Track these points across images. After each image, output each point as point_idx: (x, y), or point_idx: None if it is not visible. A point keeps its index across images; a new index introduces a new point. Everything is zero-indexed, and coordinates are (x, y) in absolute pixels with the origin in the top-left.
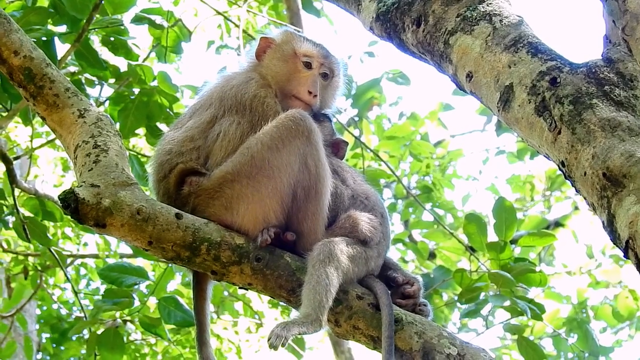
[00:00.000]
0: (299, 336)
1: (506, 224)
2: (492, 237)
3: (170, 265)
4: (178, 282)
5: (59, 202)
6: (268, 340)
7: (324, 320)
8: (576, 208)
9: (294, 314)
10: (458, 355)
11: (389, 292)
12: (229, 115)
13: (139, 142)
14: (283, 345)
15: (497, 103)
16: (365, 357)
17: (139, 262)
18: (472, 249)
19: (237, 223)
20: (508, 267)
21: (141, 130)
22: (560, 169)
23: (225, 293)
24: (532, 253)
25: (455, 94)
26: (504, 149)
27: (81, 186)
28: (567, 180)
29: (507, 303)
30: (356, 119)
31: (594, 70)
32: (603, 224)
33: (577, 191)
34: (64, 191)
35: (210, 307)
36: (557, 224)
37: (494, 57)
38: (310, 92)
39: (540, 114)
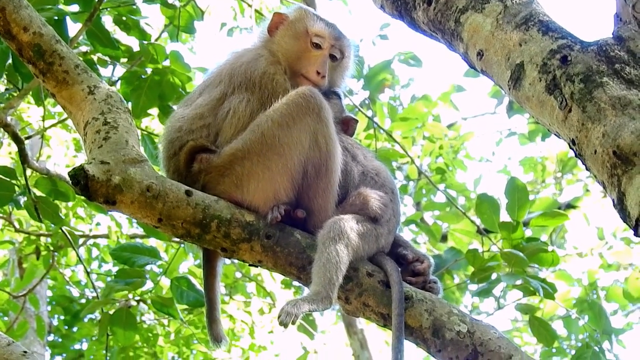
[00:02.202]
0: (310, 313)
1: (518, 203)
2: (504, 218)
3: (182, 245)
4: (191, 263)
5: (69, 179)
6: (278, 317)
7: (334, 298)
8: (587, 190)
9: (305, 291)
10: (468, 332)
11: (399, 269)
12: (239, 93)
13: (152, 122)
14: (293, 322)
15: (508, 81)
16: (377, 338)
17: (151, 242)
18: (484, 230)
19: (248, 200)
20: (520, 246)
21: (154, 111)
22: (570, 147)
23: (238, 274)
24: (543, 235)
25: (467, 76)
26: (515, 130)
27: (91, 163)
28: (577, 159)
29: (520, 282)
30: (368, 101)
31: (604, 48)
32: (613, 202)
33: (587, 169)
34: (73, 168)
35: (222, 289)
36: (569, 206)
37: (504, 35)
38: (318, 73)
39: (550, 92)
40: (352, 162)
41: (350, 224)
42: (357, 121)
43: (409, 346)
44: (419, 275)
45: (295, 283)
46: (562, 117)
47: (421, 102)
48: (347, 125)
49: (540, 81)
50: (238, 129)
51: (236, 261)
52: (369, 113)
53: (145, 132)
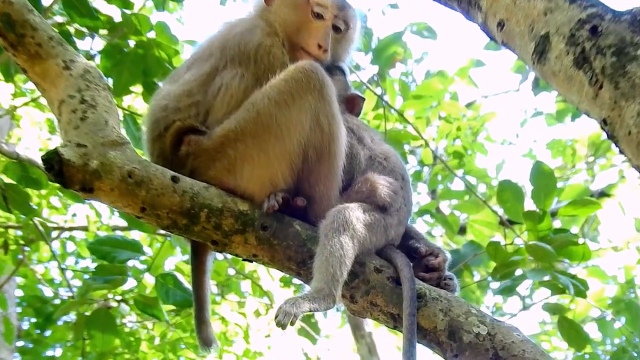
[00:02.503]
0: (311, 314)
1: (545, 191)
2: (529, 207)
3: (168, 238)
4: (178, 258)
5: (42, 164)
6: (275, 318)
7: (337, 296)
8: (623, 177)
9: (305, 289)
10: (488, 335)
11: (411, 264)
12: (232, 67)
13: (135, 101)
14: (292, 323)
15: (532, 55)
16: (387, 342)
17: (133, 235)
18: (507, 221)
19: (241, 187)
20: (547, 238)
21: (137, 88)
22: (602, 128)
23: (231, 271)
24: (574, 227)
25: (486, 49)
26: (542, 110)
27: (66, 146)
28: (609, 141)
29: (547, 278)
30: (377, 77)
31: (639, 18)
32: None
33: (621, 152)
34: (47, 152)
35: (214, 288)
36: (602, 194)
37: (527, 3)
38: (320, 46)
39: (579, 67)
40: (358, 145)
41: (356, 214)
42: (364, 99)
43: (422, 350)
44: (433, 270)
45: (295, 280)
46: (593, 94)
47: (436, 79)
48: (352, 104)
49: (567, 54)
50: (231, 108)
51: (229, 256)
52: (378, 90)
53: (128, 112)
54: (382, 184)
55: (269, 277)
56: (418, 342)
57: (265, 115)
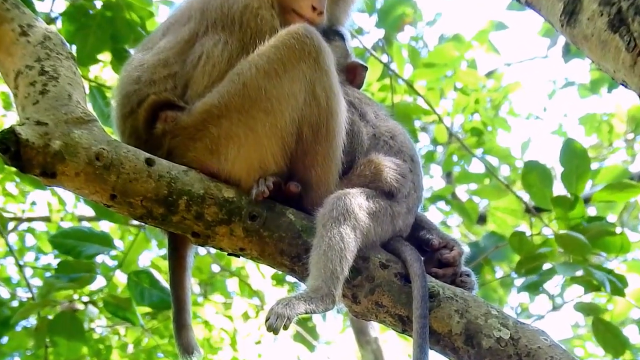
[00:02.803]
0: (308, 316)
1: (577, 172)
2: (559, 191)
3: (142, 230)
4: (154, 253)
5: None
6: (266, 321)
7: (337, 295)
8: None
9: (301, 288)
10: (511, 339)
11: (422, 258)
12: (213, 33)
13: (103, 72)
14: (285, 327)
15: (560, 16)
16: (396, 348)
17: (102, 226)
18: (534, 209)
19: (226, 171)
20: (580, 228)
21: (105, 56)
22: None
23: (216, 268)
24: (611, 215)
25: (509, 9)
26: (574, 79)
27: (24, 124)
28: None
29: (580, 273)
30: (382, 42)
31: None
32: None
33: None
34: (1, 131)
35: (196, 287)
36: None
37: None
38: (314, 8)
39: (615, 30)
40: (361, 121)
41: (358, 201)
42: (366, 68)
43: (435, 357)
44: (448, 266)
45: (290, 278)
46: (630, 61)
47: (451, 44)
48: (353, 74)
49: (601, 15)
50: (213, 79)
51: (213, 250)
52: (384, 58)
53: (95, 84)
54: (388, 167)
55: (259, 274)
56: (430, 348)
57: (253, 88)
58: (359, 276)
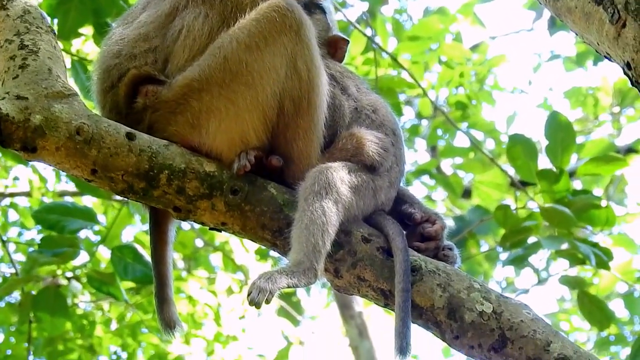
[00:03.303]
0: (291, 291)
1: (562, 146)
2: (544, 165)
3: (125, 204)
4: (138, 228)
5: None
6: (248, 295)
7: (319, 269)
8: None
9: (283, 262)
10: (493, 313)
11: (404, 232)
12: (194, 6)
13: (85, 45)
14: (267, 301)
15: None
16: (381, 323)
17: (85, 201)
18: (519, 182)
19: (207, 145)
20: (565, 201)
21: (87, 30)
22: (625, 73)
23: (199, 242)
24: (596, 188)
25: None
26: (560, 52)
27: (4, 98)
28: (634, 87)
29: (565, 247)
30: (366, 15)
31: None
32: None
33: None
34: None
35: (180, 262)
36: (630, 150)
37: None
38: None
39: (599, 2)
40: (342, 95)
41: (340, 175)
42: (348, 42)
43: (417, 332)
44: (430, 239)
45: (274, 252)
46: (614, 33)
47: (436, 17)
48: (335, 48)
49: None
50: (193, 53)
51: (196, 225)
52: (368, 31)
53: (76, 58)
54: (370, 140)
55: (243, 249)
56: (413, 322)
57: (234, 61)
58: (341, 250)
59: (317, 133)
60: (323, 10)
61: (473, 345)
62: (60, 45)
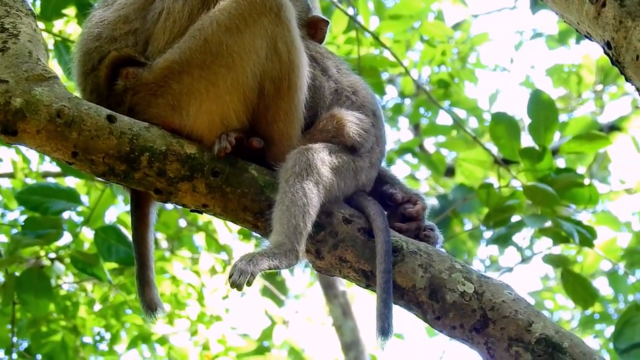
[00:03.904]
0: (275, 272)
1: (545, 124)
2: (527, 143)
3: (108, 185)
4: (121, 209)
5: None
6: (230, 277)
7: (301, 251)
8: (637, 107)
9: (265, 244)
10: (475, 294)
11: (385, 213)
12: None
13: (68, 26)
14: (249, 283)
15: None
16: (365, 302)
17: (69, 182)
18: (502, 161)
19: (188, 127)
20: (548, 179)
21: (70, 11)
22: (605, 52)
23: (183, 222)
24: (580, 166)
25: None
26: (542, 30)
27: None
28: (614, 67)
29: (548, 225)
30: None
31: None
32: None
33: (627, 80)
34: None
35: (163, 242)
36: (613, 127)
37: None
38: None
39: None
40: (323, 76)
41: (320, 156)
42: (327, 23)
43: (399, 312)
44: (411, 220)
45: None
46: (594, 13)
47: None
48: (315, 29)
49: None
50: (174, 35)
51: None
52: (350, 10)
53: (59, 38)
54: (351, 121)
55: (227, 228)
56: (394, 303)
57: (214, 43)
58: (322, 231)
59: (298, 114)
60: None
61: (455, 326)
62: (42, 25)
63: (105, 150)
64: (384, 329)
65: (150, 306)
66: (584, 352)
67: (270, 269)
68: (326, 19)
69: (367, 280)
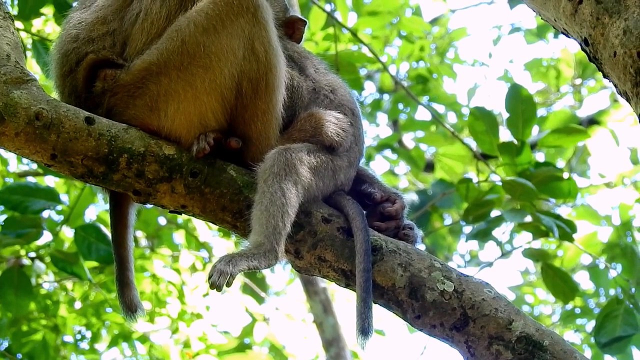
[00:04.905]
0: (256, 271)
1: (523, 118)
2: (506, 138)
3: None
4: (101, 207)
5: None
6: (209, 278)
7: (280, 251)
8: (616, 101)
9: (244, 244)
10: (455, 292)
11: (364, 212)
12: None
13: (46, 26)
14: (229, 284)
15: None
16: (343, 298)
17: (48, 181)
18: (481, 155)
19: (166, 128)
20: (527, 173)
21: (48, 10)
22: (583, 49)
23: (162, 220)
24: (559, 160)
25: None
26: (520, 25)
27: None
28: (592, 63)
29: (528, 219)
30: None
31: None
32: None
33: (605, 77)
34: None
35: (143, 240)
36: (592, 121)
37: None
38: None
39: None
40: (300, 75)
41: (299, 155)
42: (305, 22)
43: (379, 311)
44: (390, 219)
45: None
46: (571, 9)
47: None
48: (292, 29)
49: None
50: (151, 37)
51: None
52: (328, 7)
53: (38, 38)
54: (329, 121)
55: (207, 226)
56: (374, 302)
57: (192, 44)
58: (302, 231)
59: (276, 114)
60: None
61: (435, 325)
62: (20, 24)
63: (83, 152)
64: (364, 328)
65: (129, 307)
66: (565, 349)
67: (249, 269)
68: (304, 18)
69: (346, 279)
